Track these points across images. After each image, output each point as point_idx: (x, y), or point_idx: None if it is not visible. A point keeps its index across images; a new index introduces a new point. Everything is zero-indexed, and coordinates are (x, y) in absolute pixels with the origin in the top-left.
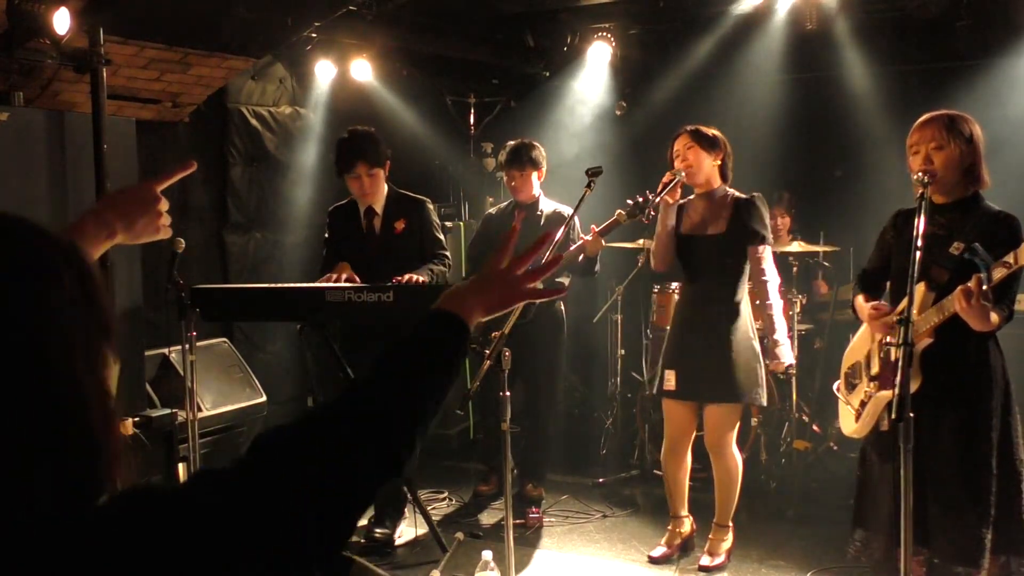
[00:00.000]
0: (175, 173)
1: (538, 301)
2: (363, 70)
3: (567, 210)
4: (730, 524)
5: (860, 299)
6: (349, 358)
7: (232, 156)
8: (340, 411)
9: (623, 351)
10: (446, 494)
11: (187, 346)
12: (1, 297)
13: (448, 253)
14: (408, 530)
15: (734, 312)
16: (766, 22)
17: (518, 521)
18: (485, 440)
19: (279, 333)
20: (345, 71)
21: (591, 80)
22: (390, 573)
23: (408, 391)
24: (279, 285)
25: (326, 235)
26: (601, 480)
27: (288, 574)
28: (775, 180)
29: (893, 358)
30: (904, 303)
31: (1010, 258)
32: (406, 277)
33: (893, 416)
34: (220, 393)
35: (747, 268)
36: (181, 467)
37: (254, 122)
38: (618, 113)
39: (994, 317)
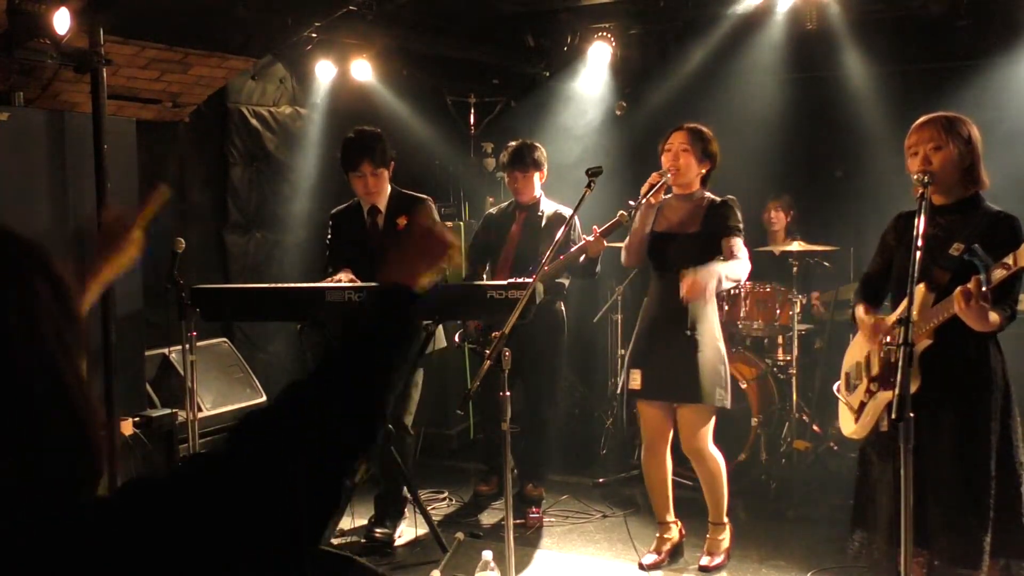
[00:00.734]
0: (151, 205)
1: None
2: (363, 70)
3: (568, 211)
4: (726, 520)
5: (860, 310)
6: None
7: (232, 156)
8: (314, 391)
9: (623, 351)
10: (446, 494)
11: (187, 346)
12: None
13: None
14: (408, 530)
15: (703, 313)
16: (766, 22)
17: (518, 521)
18: (485, 440)
19: (279, 333)
20: (345, 71)
21: (591, 80)
22: (390, 573)
23: (372, 367)
24: (279, 285)
25: (328, 238)
26: (601, 480)
27: (282, 553)
28: (775, 180)
29: (893, 359)
30: (904, 305)
31: (1009, 259)
32: None
33: (893, 416)
34: (220, 393)
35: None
36: None
37: (254, 122)
38: (618, 113)
39: (994, 317)
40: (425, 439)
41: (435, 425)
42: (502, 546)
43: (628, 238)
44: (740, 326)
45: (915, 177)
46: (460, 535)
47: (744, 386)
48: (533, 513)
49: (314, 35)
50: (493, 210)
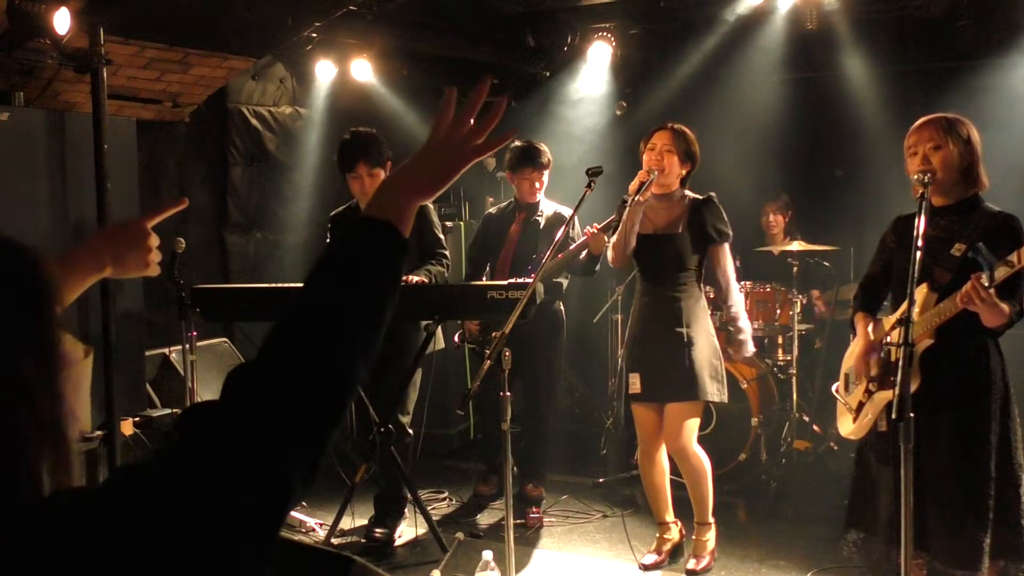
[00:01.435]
0: (167, 209)
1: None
2: (363, 70)
3: (567, 211)
4: (711, 521)
5: (860, 317)
6: None
7: (232, 156)
8: (280, 353)
9: (623, 351)
10: (446, 494)
11: (187, 346)
12: None
13: (447, 252)
14: (408, 530)
15: (693, 310)
16: (766, 22)
17: (518, 521)
18: (485, 440)
19: None
20: (345, 71)
21: (591, 80)
22: (390, 573)
23: (342, 321)
24: (279, 285)
25: (328, 240)
26: (601, 480)
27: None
28: (775, 180)
29: (893, 359)
30: (905, 305)
31: (1013, 257)
32: (407, 278)
33: (893, 416)
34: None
35: (704, 266)
36: None
37: (254, 122)
38: (618, 113)
39: (1004, 307)
40: (425, 439)
41: (435, 425)
42: (502, 546)
43: (615, 236)
44: None
45: (915, 177)
46: (460, 535)
47: (744, 386)
48: (533, 513)
49: (314, 35)
50: (493, 210)
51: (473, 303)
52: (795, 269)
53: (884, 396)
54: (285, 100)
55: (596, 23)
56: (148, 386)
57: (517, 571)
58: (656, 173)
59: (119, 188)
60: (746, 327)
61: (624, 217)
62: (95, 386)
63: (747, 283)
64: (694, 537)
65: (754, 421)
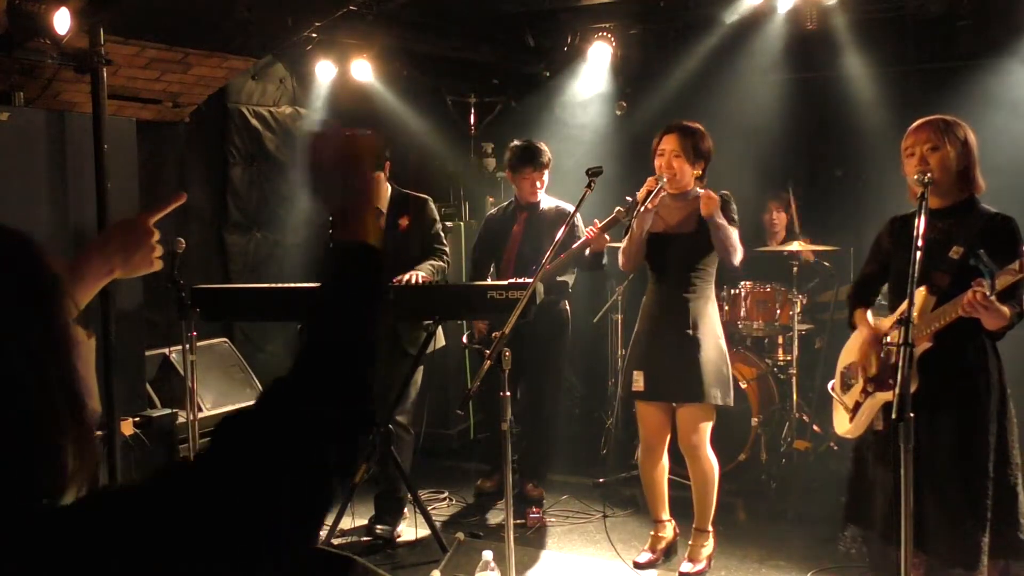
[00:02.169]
0: (167, 205)
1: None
2: (363, 70)
3: (566, 205)
4: (710, 529)
5: (860, 314)
6: None
7: (232, 156)
8: (301, 383)
9: (623, 351)
10: (446, 494)
11: (187, 346)
12: None
13: (448, 251)
14: (408, 530)
15: (702, 312)
16: (766, 22)
17: (518, 521)
18: (489, 439)
19: (279, 333)
20: (345, 71)
21: (591, 80)
22: (390, 573)
23: (354, 339)
24: (279, 285)
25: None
26: (601, 480)
27: (274, 555)
28: (775, 180)
29: (892, 360)
30: (904, 305)
31: (1015, 265)
32: (406, 277)
33: (893, 416)
34: (220, 393)
35: (715, 267)
36: None
37: (254, 122)
38: (618, 113)
39: (1005, 310)
40: (425, 439)
41: (435, 425)
42: (502, 546)
43: (625, 243)
44: (740, 326)
45: (915, 177)
46: (460, 535)
47: (744, 386)
48: (533, 513)
49: (314, 35)
50: (494, 211)
51: (473, 303)
52: (795, 269)
53: (883, 397)
54: (285, 100)
55: (596, 23)
56: (148, 386)
57: (517, 571)
58: (665, 180)
59: (119, 188)
60: (726, 225)
61: (634, 224)
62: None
63: (747, 283)
64: (691, 543)
65: (754, 421)
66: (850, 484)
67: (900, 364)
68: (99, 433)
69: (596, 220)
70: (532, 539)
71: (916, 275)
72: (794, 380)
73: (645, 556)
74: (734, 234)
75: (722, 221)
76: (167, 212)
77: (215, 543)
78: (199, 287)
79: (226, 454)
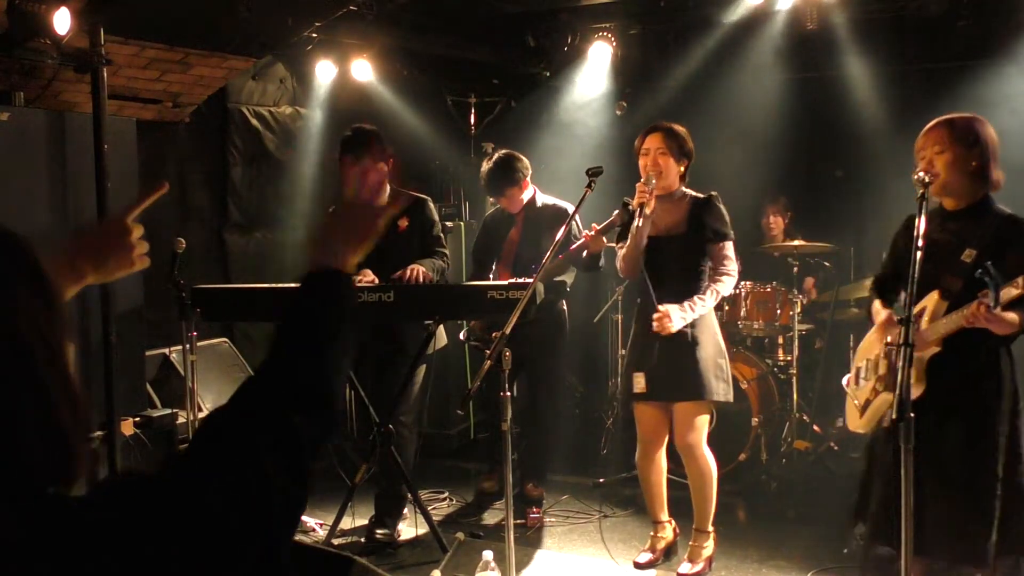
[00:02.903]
0: (146, 199)
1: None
2: (363, 70)
3: (563, 204)
4: (710, 530)
5: (877, 304)
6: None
7: (232, 156)
8: (262, 387)
9: (623, 351)
10: (446, 494)
11: (188, 346)
12: None
13: (448, 251)
14: (408, 530)
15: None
16: (766, 22)
17: (518, 521)
18: (489, 438)
19: None
20: (345, 71)
21: (591, 80)
22: (390, 573)
23: (321, 355)
24: (279, 285)
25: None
26: (601, 480)
27: (248, 555)
28: (775, 180)
29: (897, 361)
30: (921, 305)
31: (1020, 279)
32: (408, 269)
33: (893, 416)
34: (220, 393)
35: (708, 266)
36: None
37: (254, 122)
38: (618, 113)
39: (1012, 316)
40: (425, 439)
41: (435, 425)
42: (502, 546)
43: (625, 250)
44: (740, 326)
45: (914, 177)
46: (460, 535)
47: (744, 386)
48: (533, 513)
49: (314, 35)
50: (492, 211)
51: (473, 303)
52: (795, 269)
53: (889, 397)
54: (285, 100)
55: (596, 23)
56: (148, 386)
57: (517, 571)
58: (654, 180)
59: (119, 188)
60: (692, 308)
61: (632, 231)
62: (95, 386)
63: (747, 283)
64: (691, 543)
65: (754, 421)
66: (861, 482)
67: (900, 365)
68: (99, 433)
69: (594, 224)
70: (532, 539)
71: (917, 276)
72: (794, 380)
73: (645, 556)
74: (727, 250)
75: (688, 319)
76: (147, 205)
77: (190, 544)
78: (199, 287)
79: (201, 457)
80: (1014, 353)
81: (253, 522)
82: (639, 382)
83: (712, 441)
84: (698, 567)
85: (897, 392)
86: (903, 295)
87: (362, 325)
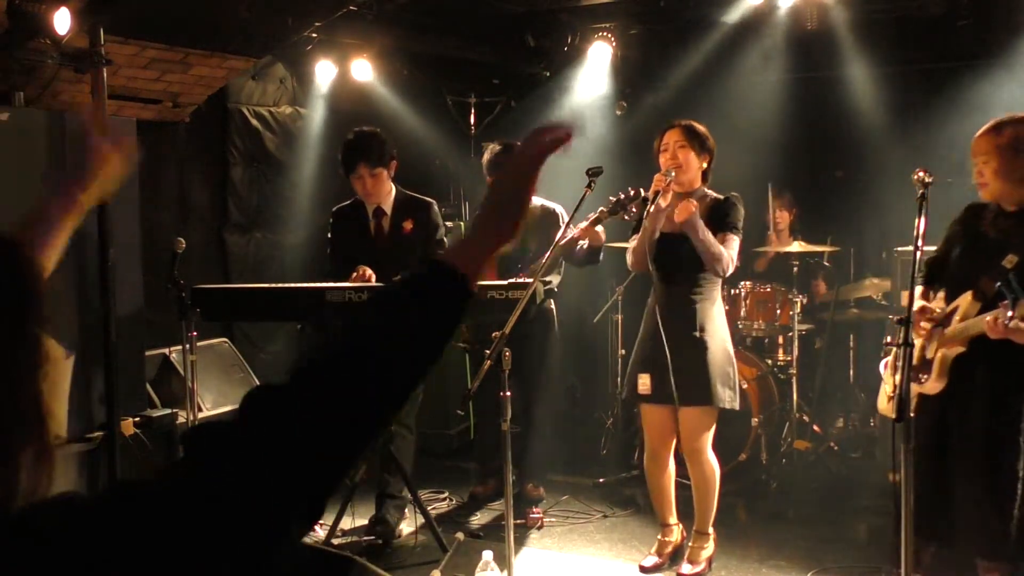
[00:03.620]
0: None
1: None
2: (363, 70)
3: (554, 206)
4: (710, 531)
5: (918, 290)
6: None
7: (232, 156)
8: (326, 379)
9: (623, 351)
10: (446, 494)
11: (188, 346)
12: None
13: None
14: (408, 530)
15: (709, 313)
16: (766, 22)
17: (518, 521)
18: (481, 441)
19: (279, 333)
20: (345, 71)
21: (591, 80)
22: (390, 573)
23: (391, 365)
24: (279, 285)
25: (329, 236)
26: (601, 480)
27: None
28: (776, 180)
29: (928, 356)
30: (955, 304)
31: None
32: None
33: (893, 416)
34: (220, 393)
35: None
36: None
37: (254, 122)
38: (618, 113)
39: None
40: (425, 439)
41: (435, 425)
42: (502, 546)
43: (635, 242)
44: (740, 326)
45: (914, 178)
46: (460, 535)
47: (744, 386)
48: (533, 513)
49: (314, 35)
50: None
51: (473, 303)
52: (795, 269)
53: (914, 388)
54: (285, 100)
55: (596, 23)
56: (148, 386)
57: (517, 571)
58: (673, 173)
59: (119, 188)
60: (711, 242)
61: (645, 223)
62: (95, 386)
63: (747, 283)
64: (691, 544)
65: (754, 421)
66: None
67: (900, 365)
68: (99, 433)
69: (589, 215)
70: (532, 539)
71: (916, 273)
72: (794, 380)
73: (651, 560)
74: (730, 243)
75: (700, 229)
76: (100, 122)
77: (213, 545)
78: (199, 287)
79: (183, 467)
80: None
81: (251, 544)
82: (644, 383)
83: (713, 442)
84: (699, 568)
85: (897, 392)
86: (944, 290)
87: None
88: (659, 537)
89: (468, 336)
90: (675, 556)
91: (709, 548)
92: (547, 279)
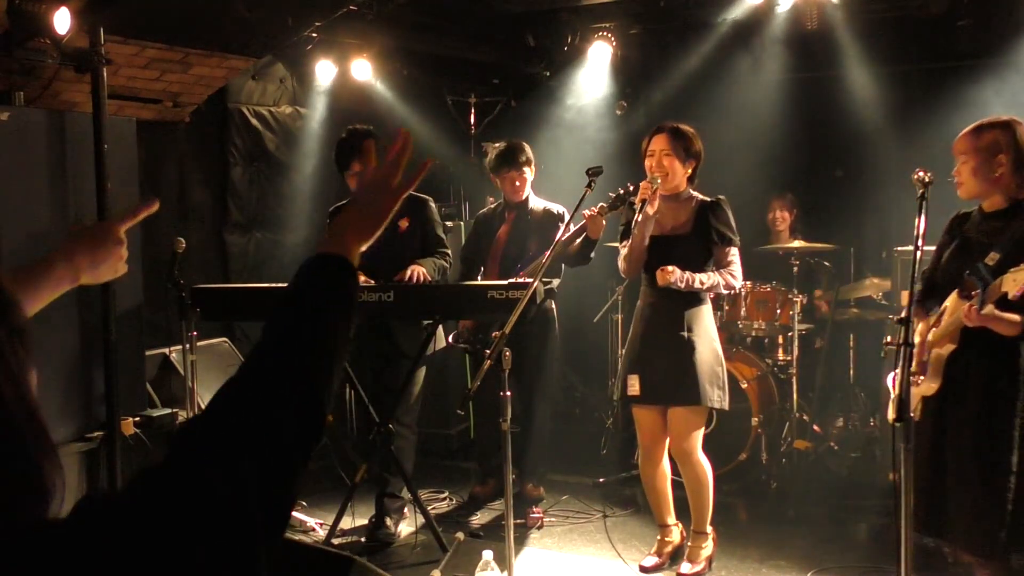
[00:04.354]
0: (138, 213)
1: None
2: (363, 70)
3: (557, 208)
4: (708, 531)
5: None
6: (349, 357)
7: (232, 156)
8: (249, 383)
9: (623, 351)
10: (446, 494)
11: (188, 346)
12: None
13: (449, 251)
14: (408, 530)
15: (698, 314)
16: (766, 22)
17: (518, 521)
18: (480, 442)
19: None
20: (345, 71)
21: (591, 80)
22: (390, 573)
23: (309, 348)
24: (279, 285)
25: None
26: (601, 480)
27: (241, 554)
28: (776, 180)
29: (923, 358)
30: (944, 305)
31: (996, 283)
32: (408, 270)
33: (892, 417)
34: None
35: (711, 268)
36: None
37: (254, 122)
38: (618, 113)
39: (1013, 316)
40: (425, 439)
41: (435, 425)
42: (502, 546)
43: (628, 250)
44: (740, 326)
45: (914, 178)
46: (460, 535)
47: (744, 386)
48: (533, 513)
49: (314, 35)
50: (484, 210)
51: (473, 303)
52: (795, 269)
53: (916, 391)
54: (285, 100)
55: (596, 23)
56: (148, 386)
57: (517, 571)
58: (659, 180)
59: (119, 188)
60: (699, 280)
61: (634, 230)
62: (95, 386)
63: (747, 283)
64: (690, 544)
65: (754, 421)
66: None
67: (900, 364)
68: (99, 433)
69: (592, 208)
70: (532, 539)
71: (916, 273)
72: (794, 380)
73: (651, 560)
74: (731, 256)
75: (685, 283)
76: (137, 221)
77: (182, 551)
78: (199, 287)
79: (183, 460)
80: None
81: (229, 533)
82: (633, 384)
83: (712, 441)
84: (698, 567)
85: (896, 392)
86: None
87: (360, 324)
88: (659, 537)
89: (469, 336)
90: (675, 556)
91: (708, 547)
92: (547, 280)
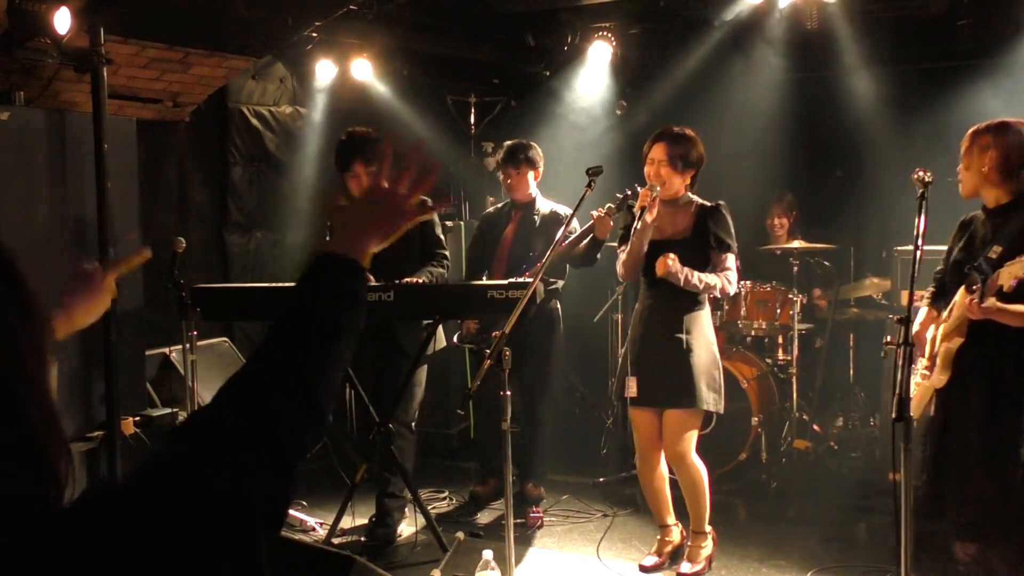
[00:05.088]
0: (130, 262)
1: (536, 290)
2: (363, 69)
3: (564, 210)
4: (707, 530)
5: (923, 312)
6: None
7: (232, 156)
8: (253, 379)
9: (623, 351)
10: (446, 494)
11: (188, 346)
12: None
13: (448, 253)
14: (408, 530)
15: (696, 318)
16: (766, 22)
17: (518, 521)
18: (481, 441)
19: None
20: (345, 70)
21: (591, 80)
22: (390, 573)
23: (315, 346)
24: (280, 285)
25: (328, 237)
26: (601, 480)
27: (240, 547)
28: (775, 180)
29: (936, 352)
30: (952, 301)
31: (999, 272)
32: (404, 282)
33: (892, 416)
34: None
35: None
36: None
37: (254, 122)
38: (618, 113)
39: (1018, 308)
40: (425, 439)
41: (435, 425)
42: (502, 546)
43: (626, 256)
44: (740, 326)
45: (914, 177)
46: (460, 535)
47: (744, 386)
48: (533, 512)
49: (314, 35)
50: (490, 210)
51: (474, 302)
52: (795, 269)
53: (927, 386)
54: (285, 100)
55: (596, 23)
56: (148, 386)
57: (517, 571)
58: (658, 189)
59: (119, 188)
60: (697, 276)
61: (633, 237)
62: (95, 386)
63: (747, 283)
64: (689, 544)
65: (754, 421)
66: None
67: (900, 364)
68: (99, 433)
69: (600, 208)
70: (532, 539)
71: (916, 272)
72: (794, 380)
73: (651, 560)
74: (727, 262)
75: (682, 278)
76: (128, 270)
77: (184, 543)
78: (199, 287)
79: (183, 454)
80: None
81: (229, 527)
82: (631, 386)
83: (712, 441)
84: (698, 566)
85: (896, 392)
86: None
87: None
88: (659, 537)
89: (470, 335)
90: (675, 555)
91: (708, 547)
92: (552, 280)
